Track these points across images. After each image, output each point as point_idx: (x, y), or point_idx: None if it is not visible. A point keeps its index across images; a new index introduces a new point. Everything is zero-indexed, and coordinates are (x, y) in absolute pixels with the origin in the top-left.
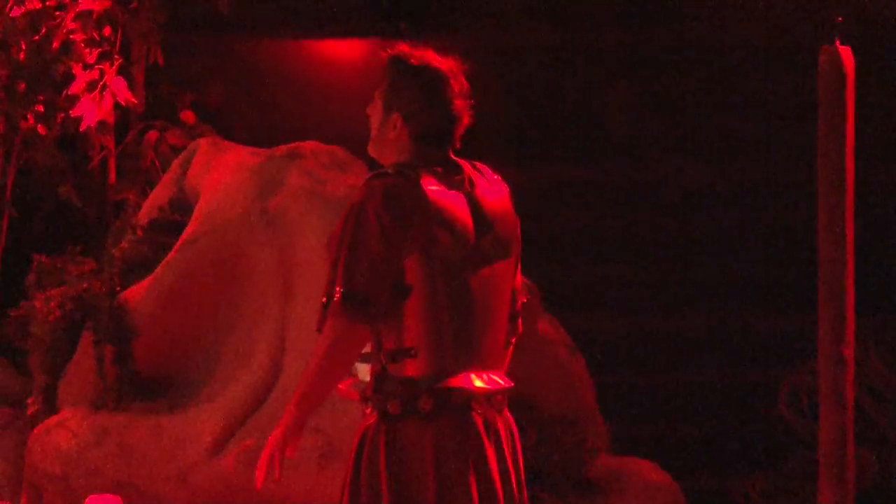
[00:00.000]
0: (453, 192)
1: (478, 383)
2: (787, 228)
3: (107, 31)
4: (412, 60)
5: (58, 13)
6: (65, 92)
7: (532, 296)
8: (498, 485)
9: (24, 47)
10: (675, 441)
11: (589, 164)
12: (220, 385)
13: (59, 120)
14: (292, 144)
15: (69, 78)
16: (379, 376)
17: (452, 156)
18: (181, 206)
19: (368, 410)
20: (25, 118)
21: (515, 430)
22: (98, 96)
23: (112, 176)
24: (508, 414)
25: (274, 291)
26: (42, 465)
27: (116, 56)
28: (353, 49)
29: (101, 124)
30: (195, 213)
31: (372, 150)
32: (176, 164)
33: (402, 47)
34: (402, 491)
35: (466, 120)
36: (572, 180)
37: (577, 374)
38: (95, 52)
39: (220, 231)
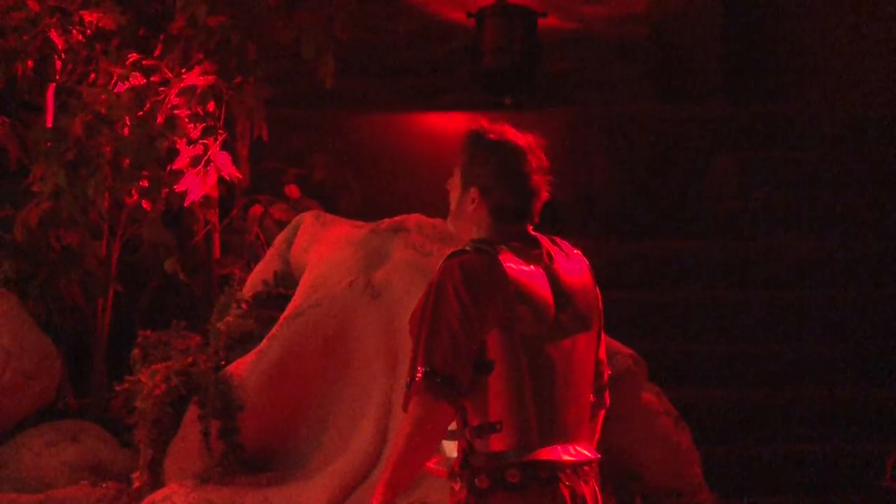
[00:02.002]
0: (532, 266)
1: (564, 456)
2: None
3: (211, 106)
4: (490, 136)
5: (162, 88)
6: (169, 167)
7: (637, 367)
8: None
9: (128, 123)
10: None
11: (697, 237)
12: (326, 458)
13: (163, 195)
14: (397, 218)
15: (173, 153)
16: (466, 452)
17: (531, 230)
18: (286, 280)
19: (457, 487)
20: (130, 194)
21: (601, 499)
22: (202, 171)
23: (217, 250)
24: (595, 484)
25: (379, 364)
26: None
27: (220, 131)
28: (458, 122)
29: (206, 199)
30: (300, 287)
31: (451, 224)
32: (280, 238)
33: (482, 122)
34: None
35: (544, 195)
36: (681, 253)
37: (682, 446)
38: (199, 127)
39: (326, 304)
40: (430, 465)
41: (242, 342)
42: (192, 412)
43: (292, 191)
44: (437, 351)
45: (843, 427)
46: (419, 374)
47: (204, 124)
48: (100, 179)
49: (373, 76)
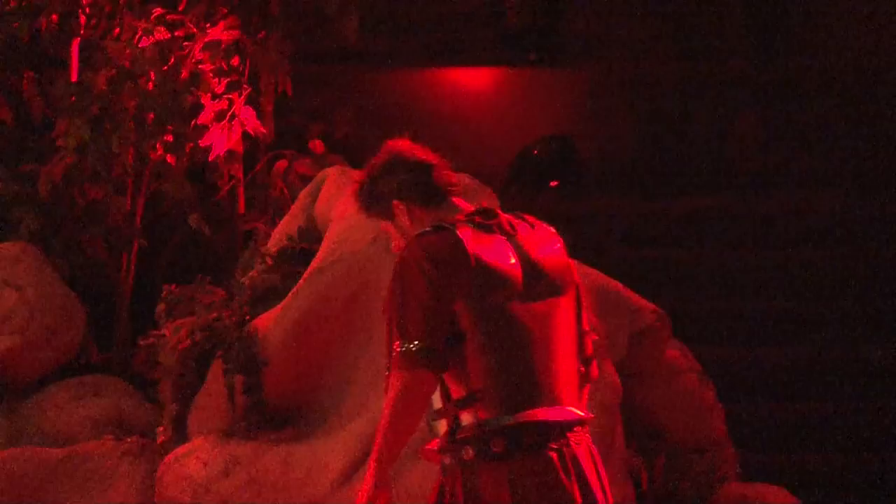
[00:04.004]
0: (494, 237)
1: (550, 418)
2: None
3: (235, 61)
4: (371, 169)
5: (186, 43)
6: (193, 122)
7: (661, 323)
8: None
9: (152, 78)
10: (805, 469)
11: (718, 195)
12: (349, 414)
13: (187, 150)
14: None
15: (198, 108)
16: (453, 426)
17: (496, 209)
18: (310, 235)
19: (448, 461)
20: (154, 149)
21: (599, 459)
22: (227, 126)
23: (241, 206)
24: (591, 446)
25: None
26: (172, 494)
27: (245, 86)
28: (482, 78)
29: (230, 154)
30: (324, 242)
31: None
32: (304, 193)
33: (356, 175)
34: None
35: (446, 163)
36: (703, 210)
37: (706, 402)
38: (224, 82)
39: (349, 259)
40: (429, 448)
41: (266, 297)
42: (216, 367)
43: (317, 146)
44: (410, 324)
45: (865, 385)
46: (397, 349)
47: (228, 79)
48: (124, 134)
49: (396, 32)
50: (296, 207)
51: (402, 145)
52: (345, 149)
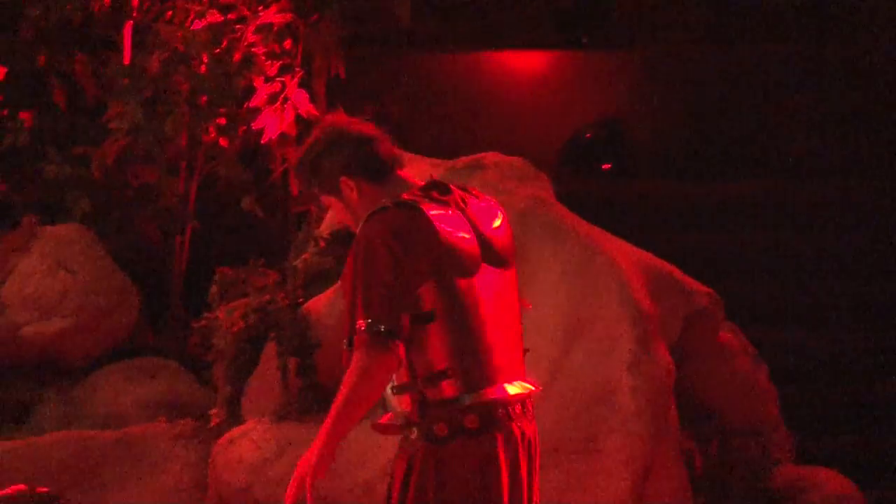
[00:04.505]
0: (453, 212)
1: (512, 390)
2: None
3: (287, 43)
4: (314, 145)
5: (238, 26)
6: (246, 105)
7: (714, 305)
8: (525, 491)
9: (205, 60)
10: (859, 452)
11: (770, 178)
12: None
13: (240, 133)
14: (474, 156)
15: (250, 91)
16: (420, 403)
17: (447, 183)
18: None
19: (413, 436)
20: (207, 131)
21: (536, 436)
22: (279, 109)
23: (294, 188)
24: (534, 421)
25: None
26: (226, 476)
27: (297, 69)
28: (534, 61)
29: (283, 136)
30: None
31: (357, 225)
32: None
33: (294, 155)
34: None
35: (381, 134)
36: (753, 194)
37: (760, 384)
38: (276, 64)
39: None
40: (383, 422)
41: (319, 280)
42: (269, 350)
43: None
44: (374, 304)
45: None
46: (362, 327)
47: (281, 62)
48: (177, 117)
49: (448, 14)
50: None
51: (342, 119)
52: (397, 131)
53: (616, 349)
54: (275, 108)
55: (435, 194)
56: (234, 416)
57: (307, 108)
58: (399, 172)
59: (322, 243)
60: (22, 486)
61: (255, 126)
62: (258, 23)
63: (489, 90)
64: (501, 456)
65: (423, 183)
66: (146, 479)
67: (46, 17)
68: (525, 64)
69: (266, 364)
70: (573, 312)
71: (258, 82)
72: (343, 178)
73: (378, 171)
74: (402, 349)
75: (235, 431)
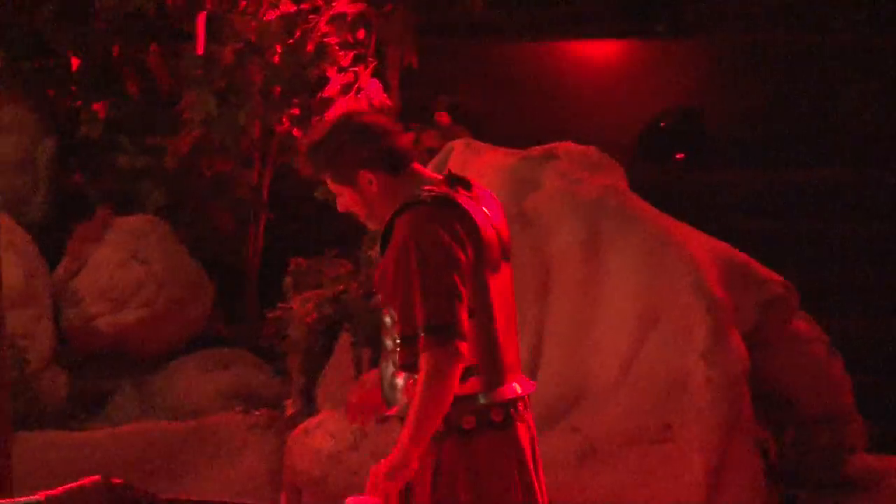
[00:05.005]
0: (479, 206)
1: (519, 387)
2: None
3: (361, 34)
4: (334, 134)
5: (312, 16)
6: (319, 95)
7: (788, 294)
8: (534, 478)
9: (278, 51)
10: None
11: (845, 167)
12: None
13: (314, 123)
14: (547, 145)
15: (323, 81)
16: None
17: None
18: None
19: (442, 430)
20: (281, 122)
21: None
22: (353, 99)
23: (302, 170)
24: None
25: (531, 290)
26: (301, 467)
27: (371, 59)
28: (608, 50)
29: None
30: None
31: (375, 224)
32: (431, 165)
33: (302, 146)
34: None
35: (397, 127)
36: (829, 182)
37: (834, 373)
38: (350, 54)
39: None
40: (393, 413)
41: None
42: (343, 340)
43: (443, 118)
44: (436, 304)
45: None
46: (425, 330)
47: (354, 52)
48: (251, 107)
49: (522, 4)
50: None
51: (362, 112)
52: (471, 121)
53: (690, 339)
54: (348, 98)
55: (461, 189)
56: (309, 407)
57: (380, 99)
58: (414, 165)
59: None
60: (96, 478)
61: (328, 116)
62: (331, 13)
63: (564, 80)
64: (527, 448)
65: (440, 176)
66: (221, 469)
67: (120, 7)
68: (600, 53)
69: (340, 354)
70: (647, 302)
71: (331, 73)
72: (361, 171)
73: (398, 164)
74: (465, 346)
75: (311, 422)
